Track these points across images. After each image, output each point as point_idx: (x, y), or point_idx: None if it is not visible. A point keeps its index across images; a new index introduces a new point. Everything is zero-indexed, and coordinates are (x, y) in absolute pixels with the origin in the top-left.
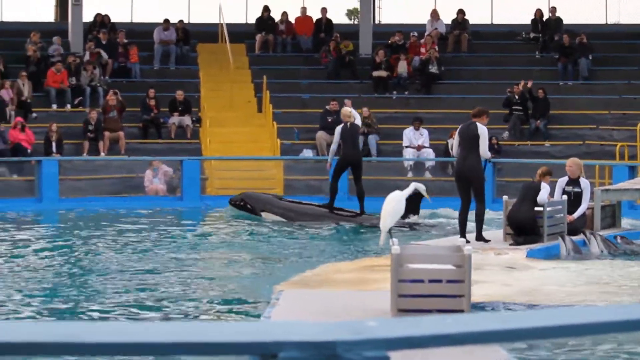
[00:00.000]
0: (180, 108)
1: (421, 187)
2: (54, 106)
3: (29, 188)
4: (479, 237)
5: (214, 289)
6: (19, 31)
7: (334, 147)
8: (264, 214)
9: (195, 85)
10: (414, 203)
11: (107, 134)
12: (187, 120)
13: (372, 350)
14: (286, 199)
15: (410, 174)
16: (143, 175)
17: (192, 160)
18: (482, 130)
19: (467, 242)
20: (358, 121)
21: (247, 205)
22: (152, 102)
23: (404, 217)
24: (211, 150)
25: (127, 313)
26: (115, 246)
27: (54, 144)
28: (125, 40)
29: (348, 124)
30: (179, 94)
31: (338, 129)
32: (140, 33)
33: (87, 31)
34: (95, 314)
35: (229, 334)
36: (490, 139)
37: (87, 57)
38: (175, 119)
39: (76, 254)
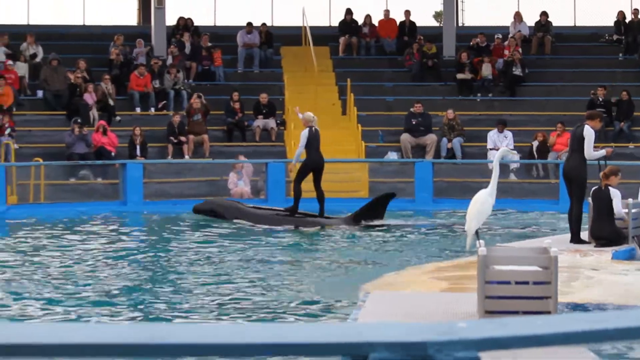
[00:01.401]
0: (264, 111)
1: (505, 151)
2: (138, 109)
3: (114, 191)
4: (576, 239)
5: (301, 290)
6: (102, 35)
7: (300, 150)
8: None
9: (279, 88)
10: (377, 208)
11: (191, 137)
12: (271, 123)
13: (462, 351)
14: (247, 204)
15: None
16: (227, 178)
17: (277, 162)
18: (588, 132)
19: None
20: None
21: (216, 213)
22: (237, 105)
23: (367, 221)
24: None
25: (215, 315)
26: (199, 248)
27: (138, 147)
28: (209, 44)
29: (313, 128)
30: (263, 97)
31: (305, 133)
32: (223, 36)
33: (170, 35)
34: (184, 315)
35: (320, 335)
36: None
37: (170, 60)
38: (259, 122)
39: (160, 255)
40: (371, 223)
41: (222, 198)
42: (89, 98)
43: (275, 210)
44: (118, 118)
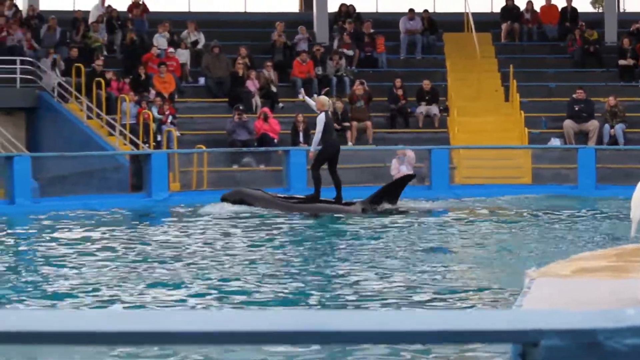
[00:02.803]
0: (427, 97)
1: None
2: (300, 96)
3: (277, 178)
4: None
5: (463, 277)
6: (264, 22)
7: (318, 137)
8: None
9: (442, 74)
10: (391, 192)
11: (354, 123)
12: (434, 109)
13: (632, 338)
14: (270, 192)
15: None
16: (390, 165)
17: (441, 149)
18: None
19: None
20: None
21: (244, 202)
22: (399, 92)
23: (378, 205)
24: (459, 139)
25: (398, 305)
26: (364, 233)
27: (301, 134)
28: (372, 30)
29: (329, 112)
30: (426, 84)
31: (322, 117)
32: (385, 23)
33: (333, 21)
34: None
35: (491, 322)
36: None
37: (335, 46)
38: (422, 108)
39: (324, 242)
40: (388, 207)
41: (249, 188)
42: (252, 85)
43: (297, 199)
44: (281, 105)
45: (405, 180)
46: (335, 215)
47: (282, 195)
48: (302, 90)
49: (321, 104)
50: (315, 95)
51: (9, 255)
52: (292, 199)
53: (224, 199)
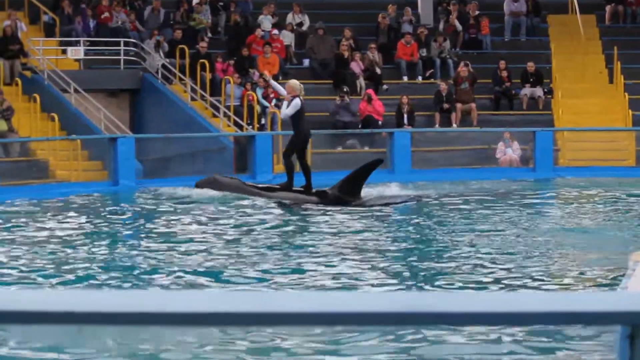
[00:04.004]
0: (531, 79)
1: None
2: (405, 78)
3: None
4: None
5: (565, 258)
6: (370, 4)
7: (284, 116)
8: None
9: (546, 56)
10: (364, 176)
11: (458, 105)
12: (538, 91)
13: None
14: (248, 182)
15: None
16: (495, 147)
17: (545, 131)
18: None
19: None
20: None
21: (214, 189)
22: (504, 74)
23: (348, 203)
24: (563, 121)
25: (497, 284)
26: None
27: (405, 116)
28: (477, 12)
29: (301, 97)
30: (530, 66)
31: (298, 102)
32: (490, 5)
33: (437, 3)
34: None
35: (600, 303)
36: None
37: (441, 27)
38: (526, 90)
39: (429, 223)
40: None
41: (221, 175)
42: (356, 67)
43: (270, 187)
44: (385, 87)
45: (371, 167)
46: (304, 205)
47: (261, 185)
48: (266, 72)
49: (292, 88)
50: (270, 80)
51: (125, 230)
52: (270, 189)
53: (197, 186)
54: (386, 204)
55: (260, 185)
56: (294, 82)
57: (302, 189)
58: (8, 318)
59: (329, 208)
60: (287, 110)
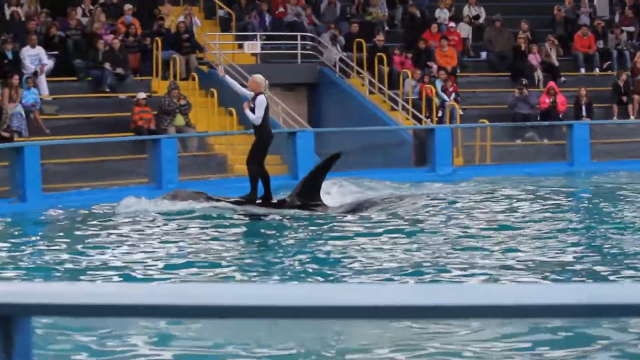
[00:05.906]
0: None
1: None
2: (582, 70)
3: (560, 152)
4: None
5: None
6: None
7: (256, 119)
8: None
9: None
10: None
11: (636, 97)
12: None
13: None
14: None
15: None
16: None
17: None
18: None
19: None
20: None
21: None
22: None
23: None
24: None
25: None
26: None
27: (583, 108)
28: None
29: (266, 94)
30: None
31: (263, 100)
32: None
33: None
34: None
35: None
36: None
37: (617, 19)
38: None
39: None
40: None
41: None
42: (534, 59)
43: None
44: (563, 79)
45: (328, 164)
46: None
47: (232, 199)
48: (221, 67)
49: (257, 84)
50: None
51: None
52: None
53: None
54: (353, 211)
55: (232, 200)
56: (259, 77)
57: (260, 199)
58: (202, 312)
59: (289, 218)
60: (257, 113)
